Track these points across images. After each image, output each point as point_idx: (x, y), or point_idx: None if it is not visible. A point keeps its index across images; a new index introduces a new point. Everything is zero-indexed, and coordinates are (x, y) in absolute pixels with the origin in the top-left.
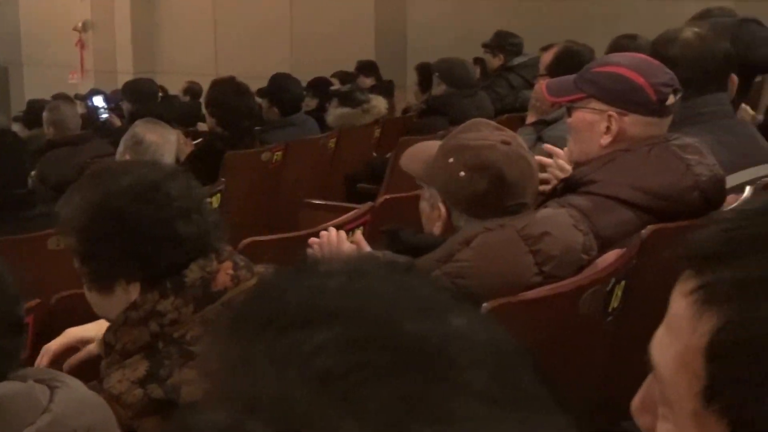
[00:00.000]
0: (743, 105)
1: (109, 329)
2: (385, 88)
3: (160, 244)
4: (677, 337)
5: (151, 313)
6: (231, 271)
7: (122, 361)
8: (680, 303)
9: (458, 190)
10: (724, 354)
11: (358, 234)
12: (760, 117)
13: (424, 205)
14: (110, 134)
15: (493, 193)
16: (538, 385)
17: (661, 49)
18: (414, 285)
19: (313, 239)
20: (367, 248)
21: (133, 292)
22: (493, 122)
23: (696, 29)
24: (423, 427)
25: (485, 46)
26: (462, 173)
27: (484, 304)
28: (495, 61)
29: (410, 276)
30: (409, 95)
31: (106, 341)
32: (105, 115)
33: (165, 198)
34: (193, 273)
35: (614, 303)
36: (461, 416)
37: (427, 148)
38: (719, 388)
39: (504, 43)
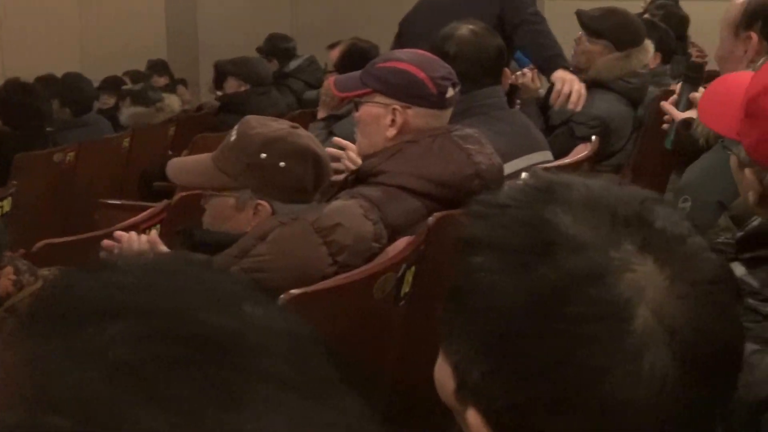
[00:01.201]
0: None
1: None
2: (178, 86)
3: None
4: None
5: None
6: (13, 276)
7: None
8: None
9: (283, 180)
10: (446, 308)
11: (153, 233)
12: (542, 91)
13: (228, 212)
14: None
15: (315, 175)
16: (332, 369)
17: (439, 45)
18: (209, 278)
19: (106, 241)
20: (161, 247)
21: None
22: (263, 117)
23: (471, 26)
24: (218, 413)
25: (259, 50)
26: (282, 164)
27: (282, 296)
28: (270, 66)
29: (206, 270)
30: (202, 93)
31: None
32: None
33: None
34: None
35: (406, 288)
36: (256, 401)
37: (195, 159)
38: (446, 341)
39: (277, 47)
